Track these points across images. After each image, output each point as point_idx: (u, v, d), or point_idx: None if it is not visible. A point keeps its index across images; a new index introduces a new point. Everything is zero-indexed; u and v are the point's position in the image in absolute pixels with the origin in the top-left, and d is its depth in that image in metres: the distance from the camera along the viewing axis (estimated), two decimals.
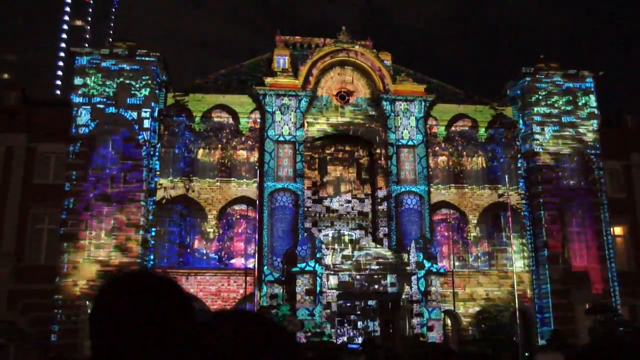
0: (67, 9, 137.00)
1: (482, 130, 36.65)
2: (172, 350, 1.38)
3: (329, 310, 30.44)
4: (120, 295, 1.66)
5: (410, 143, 34.96)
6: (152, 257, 32.41)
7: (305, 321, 29.16)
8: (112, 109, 32.59)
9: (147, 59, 33.47)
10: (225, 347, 1.31)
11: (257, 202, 33.07)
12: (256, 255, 32.45)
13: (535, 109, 35.80)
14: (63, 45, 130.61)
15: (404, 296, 30.80)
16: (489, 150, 36.62)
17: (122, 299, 1.64)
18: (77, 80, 33.04)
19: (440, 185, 35.84)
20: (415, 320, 30.38)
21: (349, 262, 31.03)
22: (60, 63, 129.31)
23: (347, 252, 31.63)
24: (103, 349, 1.62)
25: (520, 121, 36.41)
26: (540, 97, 36.04)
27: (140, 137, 32.43)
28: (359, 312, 35.69)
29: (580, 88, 36.47)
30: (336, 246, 33.87)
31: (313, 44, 39.33)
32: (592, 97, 36.39)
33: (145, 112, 32.82)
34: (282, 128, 34.31)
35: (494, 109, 37.32)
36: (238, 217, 34.04)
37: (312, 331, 28.32)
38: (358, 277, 30.89)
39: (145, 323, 1.57)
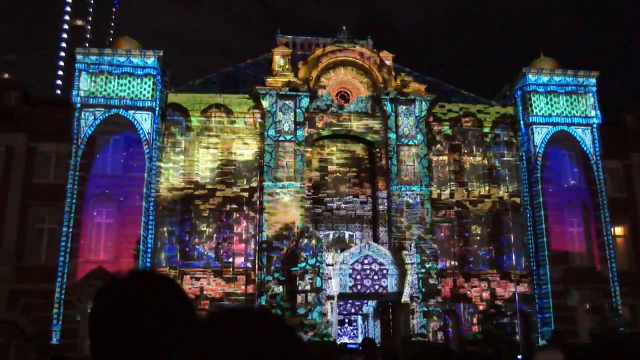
0: (68, 8, 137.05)
1: (483, 130, 36.67)
2: (172, 349, 1.37)
3: (329, 310, 30.44)
4: (120, 294, 1.65)
5: (411, 142, 34.93)
6: (151, 256, 32.41)
7: (305, 321, 29.15)
8: (113, 109, 32.61)
9: (148, 59, 33.47)
10: (230, 344, 1.29)
11: (257, 201, 33.06)
12: (256, 255, 32.44)
13: (536, 108, 35.80)
14: (64, 44, 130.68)
15: (404, 296, 30.80)
16: (491, 149, 36.62)
17: (121, 299, 1.64)
18: (78, 80, 33.04)
19: (441, 185, 35.83)
20: (415, 320, 30.39)
21: (349, 262, 31.03)
22: (61, 63, 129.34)
23: (348, 252, 31.64)
24: (102, 349, 1.61)
25: (521, 121, 36.41)
26: (541, 97, 36.03)
27: (141, 137, 32.45)
28: (359, 312, 35.70)
29: (580, 87, 36.45)
30: (336, 246, 33.86)
31: (313, 44, 39.33)
32: (592, 97, 36.38)
33: (146, 112, 32.83)
34: (282, 128, 34.30)
35: (496, 109, 37.33)
36: (238, 216, 34.02)
37: (312, 331, 28.32)
38: (358, 277, 30.89)
39: (144, 322, 1.56)
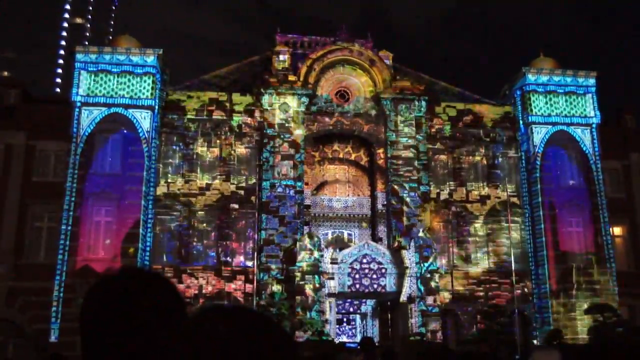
0: (68, 6, 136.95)
1: (483, 129, 36.64)
2: (162, 347, 1.37)
3: (327, 309, 30.43)
4: (110, 292, 1.64)
5: (410, 142, 34.93)
6: (150, 255, 32.39)
7: (304, 320, 29.15)
8: (112, 107, 32.59)
9: (147, 58, 33.44)
10: (219, 344, 1.29)
11: (257, 200, 33.05)
12: (255, 254, 32.43)
13: (535, 108, 35.79)
14: (63, 42, 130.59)
15: (402, 295, 30.79)
16: (490, 149, 36.60)
17: (111, 296, 1.63)
18: (77, 78, 33.01)
19: (440, 184, 35.82)
20: (413, 320, 30.38)
21: (348, 261, 31.02)
22: (61, 61, 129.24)
23: (347, 251, 31.63)
24: (92, 347, 1.61)
25: (520, 120, 36.40)
26: (540, 97, 36.01)
27: (140, 135, 32.43)
28: (357, 312, 35.69)
29: (580, 87, 36.44)
30: (335, 245, 33.86)
31: (313, 43, 39.30)
32: (592, 97, 36.38)
33: (146, 110, 32.80)
34: (282, 126, 34.29)
35: (495, 108, 37.31)
36: (237, 215, 34.00)
37: (310, 330, 28.31)
38: (357, 276, 30.88)
39: (135, 320, 1.56)
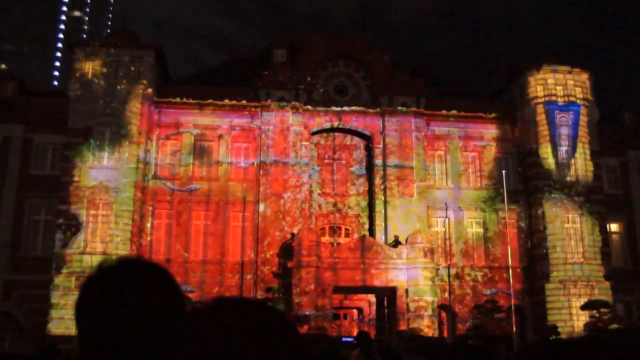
0: None
1: (481, 127, 36.61)
2: (160, 339, 1.37)
3: (324, 304, 30.44)
4: (107, 283, 1.63)
5: (407, 137, 34.88)
6: (149, 248, 32.39)
7: (301, 314, 29.17)
8: (109, 101, 32.51)
9: (145, 52, 33.36)
10: (225, 336, 1.27)
11: (255, 194, 33.02)
12: (253, 248, 32.42)
13: (533, 106, 35.77)
14: (61, 36, 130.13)
15: (399, 290, 30.82)
16: (489, 146, 36.58)
17: (108, 287, 1.62)
18: (75, 72, 32.94)
19: (438, 181, 35.82)
20: (410, 314, 30.42)
21: (346, 256, 31.02)
22: (58, 54, 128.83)
23: (344, 245, 31.62)
24: (88, 339, 1.60)
25: (518, 118, 36.38)
26: (538, 94, 35.99)
27: (137, 128, 32.37)
28: (354, 306, 35.72)
29: (578, 85, 36.41)
30: (333, 240, 33.87)
31: (311, 38, 39.19)
32: (591, 95, 36.36)
33: (143, 104, 32.74)
34: (280, 122, 34.24)
35: (494, 106, 37.30)
36: (236, 210, 33.98)
37: (307, 325, 28.32)
38: (354, 271, 30.88)
39: (131, 311, 1.55)
